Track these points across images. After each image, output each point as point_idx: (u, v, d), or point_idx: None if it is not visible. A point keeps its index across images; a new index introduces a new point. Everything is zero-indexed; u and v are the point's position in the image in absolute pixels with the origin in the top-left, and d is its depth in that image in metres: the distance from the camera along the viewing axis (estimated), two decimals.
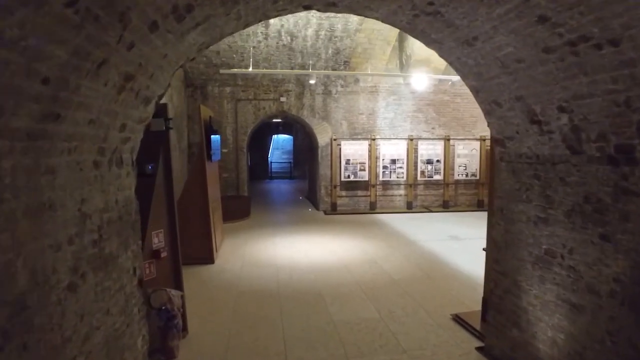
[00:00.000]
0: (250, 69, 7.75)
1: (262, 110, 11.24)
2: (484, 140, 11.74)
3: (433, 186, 11.92)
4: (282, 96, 11.21)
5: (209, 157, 6.46)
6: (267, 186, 18.96)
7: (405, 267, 6.23)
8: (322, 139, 11.48)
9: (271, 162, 23.91)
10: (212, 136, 6.41)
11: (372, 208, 11.41)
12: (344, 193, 11.54)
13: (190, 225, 6.28)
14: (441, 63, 10.71)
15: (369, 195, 11.49)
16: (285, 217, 10.73)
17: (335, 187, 11.27)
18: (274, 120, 19.13)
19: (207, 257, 6.35)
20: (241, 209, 10.29)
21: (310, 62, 9.91)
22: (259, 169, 22.59)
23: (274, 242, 7.82)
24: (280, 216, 10.91)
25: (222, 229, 7.82)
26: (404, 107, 11.61)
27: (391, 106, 11.55)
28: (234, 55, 10.07)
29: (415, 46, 10.42)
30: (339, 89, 11.32)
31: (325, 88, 11.29)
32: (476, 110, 12.13)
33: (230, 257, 6.80)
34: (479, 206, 11.89)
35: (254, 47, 9.82)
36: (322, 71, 9.84)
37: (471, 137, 11.88)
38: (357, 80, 8.86)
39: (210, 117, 6.38)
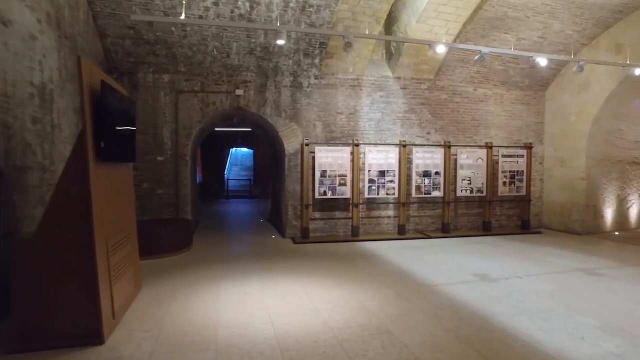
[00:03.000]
0: (183, 16, 5.03)
1: (211, 106, 8.52)
2: (491, 147, 9.57)
3: (429, 205, 9.53)
4: (238, 88, 8.56)
5: (100, 153, 3.67)
6: (222, 207, 15.97)
7: (442, 343, 3.64)
8: (290, 144, 8.87)
9: (228, 179, 20.93)
10: (103, 113, 3.64)
11: (355, 234, 8.82)
12: (317, 215, 8.91)
13: (56, 279, 3.42)
14: (443, 48, 8.47)
15: (351, 218, 8.92)
16: (240, 248, 7.91)
17: (307, 207, 8.62)
18: (231, 129, 16.42)
19: (89, 333, 3.49)
20: (178, 237, 7.40)
21: (277, 42, 7.27)
22: (214, 186, 19.63)
23: (219, 293, 5.02)
24: (233, 247, 8.08)
25: (138, 273, 4.94)
26: (394, 107, 9.27)
27: (377, 104, 9.17)
28: (173, 29, 7.38)
29: (410, 27, 8.16)
30: (312, 80, 8.83)
31: (294, 79, 8.77)
32: (478, 112, 9.96)
33: (138, 327, 3.94)
34: (484, 229, 9.62)
35: (200, 17, 7.17)
36: (295, 27, 7.23)
37: (474, 144, 9.68)
38: (346, 51, 6.16)
39: (102, 81, 3.62)
